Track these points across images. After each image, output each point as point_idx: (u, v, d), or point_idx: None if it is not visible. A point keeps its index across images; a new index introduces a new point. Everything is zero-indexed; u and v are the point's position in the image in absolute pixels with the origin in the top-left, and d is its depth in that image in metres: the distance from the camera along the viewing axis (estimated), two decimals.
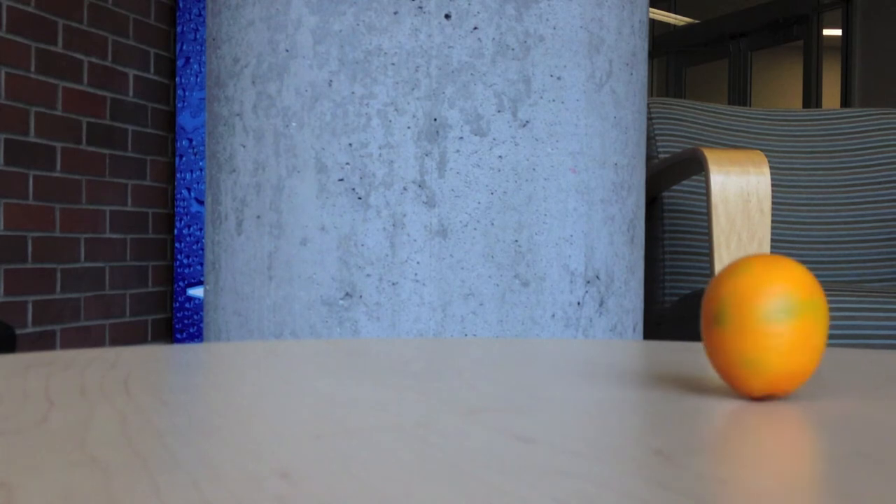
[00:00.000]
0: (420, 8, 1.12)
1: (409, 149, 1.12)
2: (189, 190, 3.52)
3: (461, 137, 1.13)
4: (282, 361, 0.60)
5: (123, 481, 0.29)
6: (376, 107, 1.12)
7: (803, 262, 2.02)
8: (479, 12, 1.13)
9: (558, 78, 1.16)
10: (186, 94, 3.52)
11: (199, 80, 3.52)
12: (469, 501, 0.27)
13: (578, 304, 1.18)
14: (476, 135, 1.13)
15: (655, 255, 2.03)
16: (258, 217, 1.18)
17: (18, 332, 2.81)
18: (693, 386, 0.52)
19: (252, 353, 0.65)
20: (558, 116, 1.16)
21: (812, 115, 2.18)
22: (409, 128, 1.12)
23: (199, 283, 3.53)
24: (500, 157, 1.14)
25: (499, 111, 1.14)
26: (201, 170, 3.52)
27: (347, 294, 1.13)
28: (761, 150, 2.09)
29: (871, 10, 5.47)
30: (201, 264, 3.54)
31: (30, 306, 2.87)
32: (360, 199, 1.13)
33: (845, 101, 5.54)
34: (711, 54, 6.52)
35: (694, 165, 1.60)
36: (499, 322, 1.14)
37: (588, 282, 1.19)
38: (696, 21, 6.73)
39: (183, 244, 3.52)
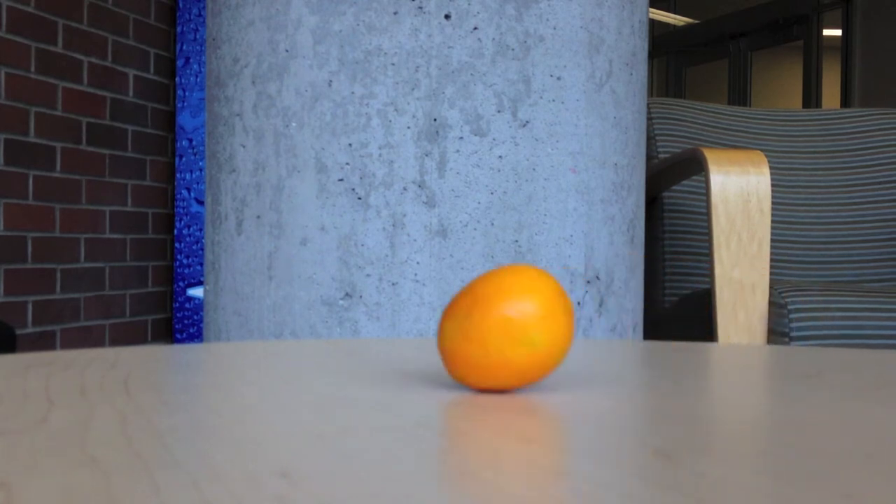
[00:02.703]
0: (420, 8, 1.12)
1: (409, 149, 1.12)
2: (189, 190, 3.52)
3: (461, 137, 1.13)
4: (282, 361, 0.60)
5: (123, 481, 0.29)
6: (376, 107, 1.12)
7: (803, 262, 2.02)
8: (479, 12, 1.13)
9: (558, 78, 1.16)
10: (186, 94, 3.52)
11: (199, 80, 3.52)
12: (469, 501, 0.27)
13: (578, 304, 1.18)
14: (476, 135, 1.13)
15: (655, 255, 2.03)
16: (258, 217, 1.18)
17: (18, 332, 2.81)
18: (690, 385, 0.52)
19: (252, 353, 0.65)
20: (558, 116, 1.16)
21: (812, 115, 2.18)
22: (409, 128, 1.12)
23: (199, 283, 3.53)
24: (500, 157, 1.14)
25: (499, 111, 1.13)
26: (201, 170, 3.52)
27: (347, 294, 1.13)
28: (761, 150, 2.09)
29: (871, 10, 5.47)
30: (201, 264, 3.54)
31: (30, 306, 2.87)
32: (360, 199, 1.13)
33: (845, 101, 5.54)
34: (711, 54, 6.52)
35: (694, 165, 1.60)
36: None
37: (588, 282, 1.19)
38: (696, 21, 6.73)
39: (183, 244, 3.52)
